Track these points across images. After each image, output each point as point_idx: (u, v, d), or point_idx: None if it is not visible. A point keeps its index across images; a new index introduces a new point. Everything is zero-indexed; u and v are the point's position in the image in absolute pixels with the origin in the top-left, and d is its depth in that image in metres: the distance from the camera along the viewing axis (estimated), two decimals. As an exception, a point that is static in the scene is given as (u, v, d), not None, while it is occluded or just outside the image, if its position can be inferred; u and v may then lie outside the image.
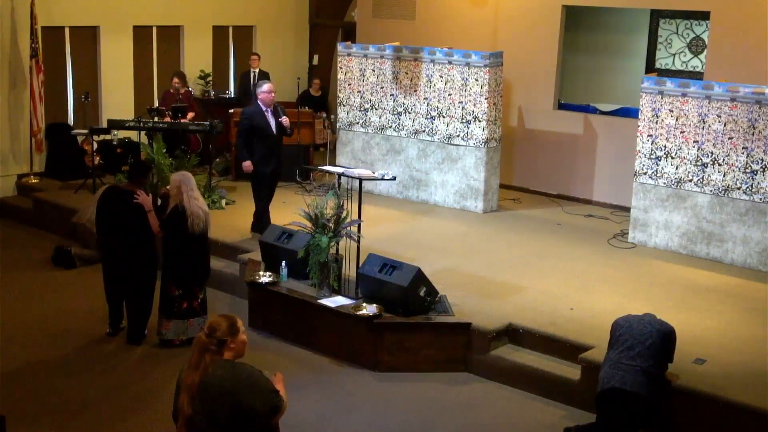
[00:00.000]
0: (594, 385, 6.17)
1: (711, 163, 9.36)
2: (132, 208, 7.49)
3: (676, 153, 9.58)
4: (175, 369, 7.26)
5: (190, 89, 13.22)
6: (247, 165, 9.35)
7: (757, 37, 10.40)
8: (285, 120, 9.42)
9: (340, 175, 8.38)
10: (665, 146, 9.65)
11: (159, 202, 7.70)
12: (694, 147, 9.46)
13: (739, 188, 9.21)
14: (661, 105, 9.62)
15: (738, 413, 6.10)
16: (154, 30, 13.44)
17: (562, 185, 12.10)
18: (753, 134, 9.09)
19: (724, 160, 9.28)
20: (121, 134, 11.94)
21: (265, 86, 9.39)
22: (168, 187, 7.74)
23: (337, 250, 8.12)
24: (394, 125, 11.72)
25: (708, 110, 9.32)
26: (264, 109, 9.33)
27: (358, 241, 8.05)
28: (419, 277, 7.43)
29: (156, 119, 11.51)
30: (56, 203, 11.07)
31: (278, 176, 9.68)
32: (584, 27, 13.36)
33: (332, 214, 7.87)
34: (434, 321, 7.40)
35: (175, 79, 12.42)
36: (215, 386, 4.02)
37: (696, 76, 11.89)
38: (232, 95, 14.52)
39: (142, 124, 11.39)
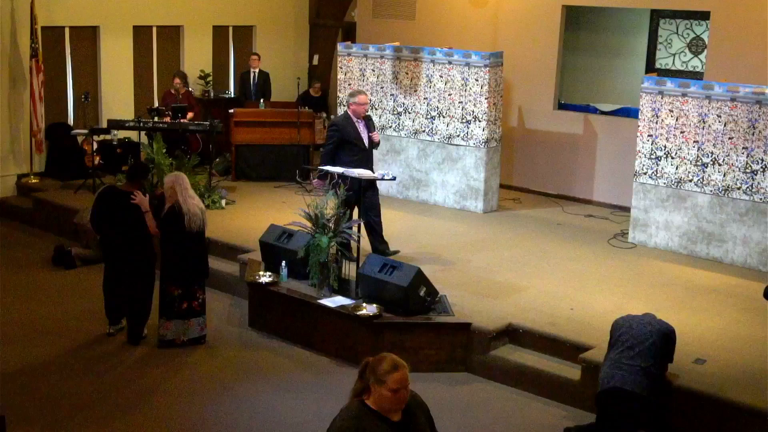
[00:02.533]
0: (594, 385, 6.17)
1: (711, 163, 9.36)
2: (130, 208, 7.50)
3: (676, 153, 9.58)
4: (174, 368, 7.29)
5: (191, 89, 13.22)
6: (318, 183, 8.71)
7: (757, 37, 10.40)
8: (376, 135, 8.88)
9: (340, 175, 8.38)
10: (665, 146, 9.65)
11: (156, 202, 7.71)
12: (694, 147, 9.46)
13: (739, 188, 9.21)
14: (661, 105, 9.62)
15: (738, 413, 6.10)
16: (154, 30, 13.44)
17: (562, 185, 12.10)
18: (753, 134, 9.09)
19: (724, 160, 9.28)
20: (121, 134, 11.95)
21: (360, 97, 8.77)
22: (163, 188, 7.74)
23: (337, 250, 8.12)
24: (394, 125, 11.72)
25: (708, 110, 9.32)
26: (355, 120, 8.75)
27: (358, 241, 8.05)
28: (419, 277, 7.43)
29: (156, 119, 11.52)
30: (56, 203, 11.06)
31: (372, 191, 8.86)
32: (584, 27, 13.36)
33: (332, 214, 7.87)
34: (434, 321, 7.40)
35: (176, 80, 12.42)
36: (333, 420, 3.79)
37: (696, 76, 11.89)
38: (232, 95, 14.52)
39: (142, 124, 11.40)
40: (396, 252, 8.84)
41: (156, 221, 7.50)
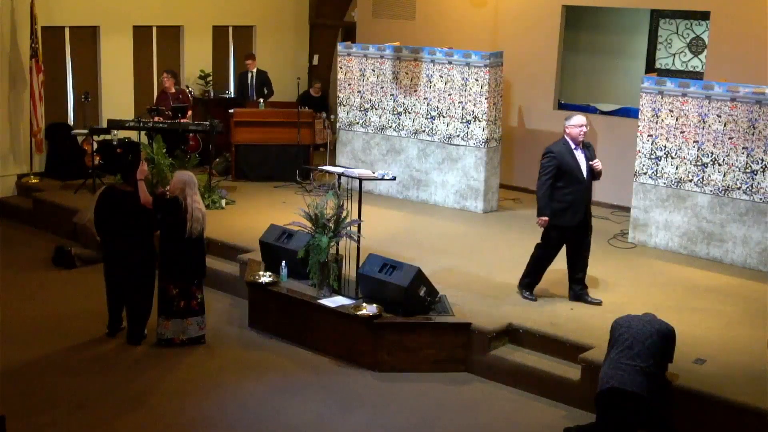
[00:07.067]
0: (594, 385, 6.17)
1: (711, 163, 9.36)
2: (130, 208, 7.50)
3: (676, 153, 9.58)
4: (173, 368, 7.29)
5: (190, 90, 13.21)
6: (545, 221, 7.76)
7: (757, 37, 10.40)
8: (597, 164, 7.73)
9: (340, 175, 8.37)
10: (665, 146, 9.65)
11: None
12: (694, 147, 9.46)
13: (739, 188, 9.21)
14: (661, 105, 9.62)
15: (738, 413, 6.10)
16: (154, 30, 13.44)
17: (562, 185, 12.07)
18: (753, 134, 9.09)
19: (724, 160, 9.28)
20: (121, 134, 11.94)
21: (576, 119, 7.69)
22: (167, 188, 7.74)
23: (337, 250, 8.12)
24: (394, 125, 11.72)
25: (708, 110, 9.32)
26: (573, 146, 7.68)
27: (358, 241, 8.05)
28: (419, 277, 7.43)
29: (156, 119, 11.52)
30: (56, 203, 11.07)
31: (586, 232, 7.97)
32: (584, 27, 13.36)
33: (332, 214, 7.87)
34: (434, 321, 7.40)
35: (164, 75, 12.37)
36: None
37: (696, 76, 11.89)
38: (232, 95, 14.52)
39: (142, 124, 11.40)
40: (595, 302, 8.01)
41: (156, 204, 7.51)
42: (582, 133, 7.67)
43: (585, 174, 7.71)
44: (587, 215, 7.88)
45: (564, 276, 8.74)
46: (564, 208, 7.70)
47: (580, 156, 7.71)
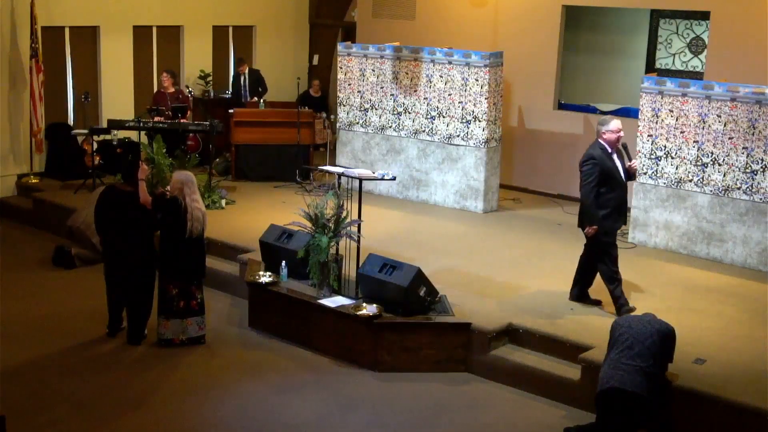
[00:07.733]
0: (594, 385, 6.17)
1: (711, 163, 9.37)
2: (130, 208, 7.51)
3: (676, 153, 9.59)
4: (173, 368, 7.30)
5: (190, 90, 13.20)
6: (596, 229, 7.51)
7: (757, 37, 10.40)
8: (634, 164, 7.79)
9: (340, 175, 8.38)
10: (665, 146, 9.65)
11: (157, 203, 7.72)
12: (694, 147, 9.46)
13: (739, 188, 9.21)
14: (661, 105, 9.62)
15: (738, 413, 6.10)
16: (154, 30, 13.44)
17: (562, 185, 12.09)
18: (753, 134, 9.09)
19: (724, 160, 9.29)
20: (121, 134, 11.94)
21: (613, 124, 7.59)
22: (167, 188, 7.74)
23: (337, 250, 8.12)
24: (394, 125, 11.72)
25: (708, 110, 9.32)
26: (610, 151, 7.59)
27: (358, 241, 8.05)
28: (419, 277, 7.43)
29: (156, 119, 11.52)
30: (56, 203, 11.06)
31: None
32: (584, 27, 13.36)
33: (332, 214, 7.87)
34: (434, 321, 7.40)
35: (164, 74, 12.36)
36: None
37: (696, 76, 11.89)
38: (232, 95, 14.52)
39: (142, 124, 11.40)
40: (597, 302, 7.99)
41: (156, 203, 7.51)
42: (619, 138, 7.58)
43: (623, 176, 7.65)
44: (626, 217, 7.84)
45: (565, 276, 8.74)
46: (608, 213, 7.53)
47: (616, 159, 7.64)
